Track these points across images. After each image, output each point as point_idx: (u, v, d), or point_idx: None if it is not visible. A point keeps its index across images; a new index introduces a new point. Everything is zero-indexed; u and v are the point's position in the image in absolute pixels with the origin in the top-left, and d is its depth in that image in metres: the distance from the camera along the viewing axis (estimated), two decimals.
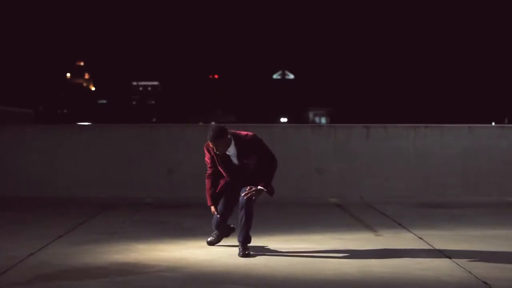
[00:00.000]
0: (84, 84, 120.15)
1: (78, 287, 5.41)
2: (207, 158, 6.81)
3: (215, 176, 6.85)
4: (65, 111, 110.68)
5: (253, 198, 6.59)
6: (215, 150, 6.60)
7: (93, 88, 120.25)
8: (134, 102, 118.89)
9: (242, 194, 6.60)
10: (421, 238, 7.64)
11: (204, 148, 6.79)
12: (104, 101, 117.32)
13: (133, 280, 5.63)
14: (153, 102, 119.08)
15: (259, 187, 6.59)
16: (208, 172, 6.89)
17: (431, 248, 7.08)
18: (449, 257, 6.53)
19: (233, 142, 6.63)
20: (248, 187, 6.60)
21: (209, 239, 7.10)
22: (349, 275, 5.80)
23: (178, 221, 9.06)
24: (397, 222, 8.88)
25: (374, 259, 6.46)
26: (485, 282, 5.52)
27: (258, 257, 6.54)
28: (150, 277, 5.75)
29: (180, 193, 11.36)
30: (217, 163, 6.75)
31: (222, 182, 6.84)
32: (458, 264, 6.21)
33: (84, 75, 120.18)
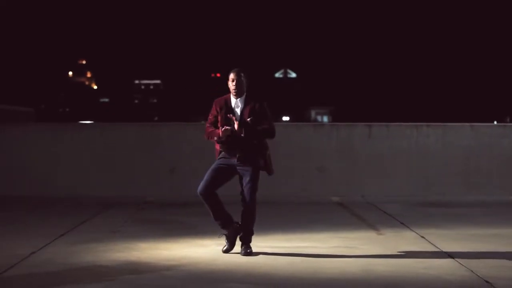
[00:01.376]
0: (86, 83, 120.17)
1: (80, 286, 5.40)
2: (211, 116, 6.74)
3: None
4: (67, 109, 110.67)
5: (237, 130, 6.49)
6: (233, 88, 6.58)
7: (95, 87, 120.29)
8: (136, 101, 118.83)
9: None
10: (423, 237, 7.63)
11: (214, 103, 6.76)
12: (106, 100, 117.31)
13: (135, 279, 5.63)
14: (155, 100, 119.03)
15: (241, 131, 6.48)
16: (207, 127, 6.77)
17: (433, 247, 7.07)
18: (451, 256, 6.52)
19: (245, 95, 6.67)
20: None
21: (224, 248, 6.77)
22: (352, 274, 5.79)
23: (180, 219, 9.06)
24: (399, 221, 8.87)
25: (376, 258, 6.45)
26: (487, 281, 5.51)
27: (260, 256, 6.54)
28: (152, 276, 5.74)
29: (181, 192, 11.34)
30: (219, 122, 6.66)
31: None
32: (460, 263, 6.20)
33: (86, 74, 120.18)
